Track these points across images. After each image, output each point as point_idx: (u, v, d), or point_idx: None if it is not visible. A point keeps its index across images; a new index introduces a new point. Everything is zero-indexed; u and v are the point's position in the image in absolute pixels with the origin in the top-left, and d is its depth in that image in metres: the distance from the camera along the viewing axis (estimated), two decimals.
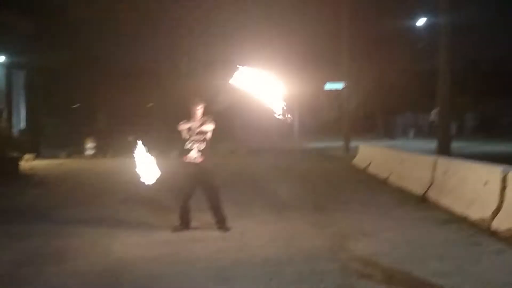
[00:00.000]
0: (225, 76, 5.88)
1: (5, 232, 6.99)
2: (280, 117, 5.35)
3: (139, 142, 6.56)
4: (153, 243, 6.30)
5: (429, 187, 9.02)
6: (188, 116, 6.72)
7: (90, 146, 22.15)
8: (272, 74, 5.46)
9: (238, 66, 5.52)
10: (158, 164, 6.63)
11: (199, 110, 6.70)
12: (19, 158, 15.60)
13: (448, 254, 5.53)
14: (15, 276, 5.11)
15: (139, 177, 6.54)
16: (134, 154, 6.53)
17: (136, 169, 6.51)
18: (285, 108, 5.32)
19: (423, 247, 5.86)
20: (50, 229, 7.10)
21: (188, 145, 6.67)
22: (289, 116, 5.36)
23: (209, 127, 6.66)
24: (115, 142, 22.17)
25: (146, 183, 6.55)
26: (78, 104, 30.08)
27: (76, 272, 5.19)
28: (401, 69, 34.37)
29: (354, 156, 17.24)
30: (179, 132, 6.71)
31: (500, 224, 6.26)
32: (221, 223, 6.84)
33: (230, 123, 23.11)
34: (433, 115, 29.60)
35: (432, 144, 18.48)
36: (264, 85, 5.40)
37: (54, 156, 20.90)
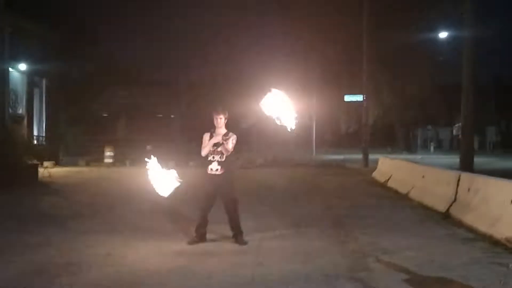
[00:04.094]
0: (252, 94, 6.20)
1: (20, 240, 6.94)
2: (291, 130, 5.97)
3: (152, 155, 6.39)
4: (168, 254, 6.18)
5: (452, 203, 8.77)
6: (210, 126, 6.63)
7: (109, 155, 22.25)
8: (291, 97, 6.00)
9: (270, 89, 6.00)
10: (177, 174, 6.49)
11: (222, 119, 6.59)
12: (38, 166, 15.70)
13: (473, 275, 5.30)
14: (28, 286, 5.03)
15: (155, 189, 6.41)
16: (148, 166, 6.35)
17: (151, 181, 6.36)
18: (295, 126, 5.94)
19: (446, 267, 5.63)
20: (65, 239, 7.04)
21: (209, 157, 6.58)
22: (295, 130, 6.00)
23: (231, 142, 6.54)
24: (134, 151, 22.22)
25: (162, 195, 6.42)
26: (104, 114, 30.38)
27: (90, 283, 5.10)
28: (422, 82, 33.97)
29: (373, 169, 16.99)
30: (199, 143, 6.62)
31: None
32: (238, 237, 6.70)
33: (247, 135, 23.04)
34: (456, 129, 29.17)
35: (453, 159, 18.14)
36: (285, 107, 5.95)
37: (73, 164, 21.04)
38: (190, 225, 6.96)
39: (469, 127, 15.53)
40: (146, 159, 6.36)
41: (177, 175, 6.34)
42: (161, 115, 32.87)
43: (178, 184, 6.34)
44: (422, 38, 30.41)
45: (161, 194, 6.40)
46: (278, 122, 6.01)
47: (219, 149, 6.52)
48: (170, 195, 6.42)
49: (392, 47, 30.39)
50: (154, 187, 6.36)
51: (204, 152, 6.58)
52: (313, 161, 26.54)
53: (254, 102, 6.11)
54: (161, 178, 6.32)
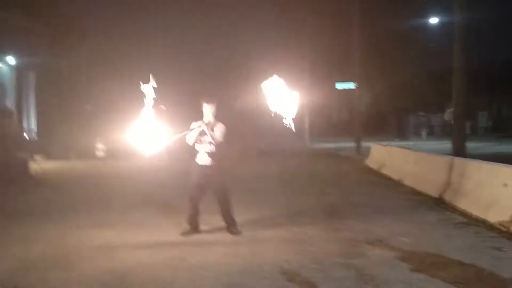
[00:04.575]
0: (241, 83, 6.10)
1: (10, 235, 6.86)
2: (287, 124, 5.88)
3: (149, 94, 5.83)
4: (161, 246, 6.13)
5: (446, 189, 8.77)
6: (199, 115, 6.54)
7: (100, 148, 22.09)
8: (289, 85, 5.94)
9: (273, 74, 5.94)
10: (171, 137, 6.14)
11: (210, 108, 6.49)
12: (29, 160, 15.54)
13: (467, 259, 5.30)
14: (19, 281, 4.96)
15: (139, 146, 6.01)
16: (142, 113, 5.84)
17: (138, 136, 5.92)
18: (293, 118, 5.86)
19: (441, 252, 5.62)
20: (56, 233, 6.96)
21: (198, 147, 6.51)
22: (291, 125, 5.87)
23: (219, 129, 6.48)
24: (126, 144, 22.08)
25: (145, 153, 6.05)
26: (89, 107, 30.09)
27: (82, 277, 5.03)
28: (413, 68, 34.01)
29: (366, 157, 17.00)
30: (188, 139, 6.50)
31: None
32: (231, 227, 6.66)
33: (240, 124, 22.96)
34: (448, 114, 29.26)
35: (446, 145, 18.16)
36: (283, 95, 5.88)
37: (65, 158, 20.87)
38: (183, 216, 6.91)
39: (461, 112, 15.55)
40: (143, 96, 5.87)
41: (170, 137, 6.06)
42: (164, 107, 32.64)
43: (164, 145, 6.03)
44: (413, 25, 30.42)
45: (142, 152, 6.05)
46: (273, 115, 5.91)
47: (207, 139, 6.43)
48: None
49: (383, 34, 30.37)
50: (135, 141, 5.96)
51: (189, 140, 6.46)
52: (306, 150, 26.54)
53: (245, 90, 6.06)
54: (150, 133, 5.90)
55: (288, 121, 5.86)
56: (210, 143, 6.46)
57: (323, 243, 6.17)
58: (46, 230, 7.16)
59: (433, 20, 28.33)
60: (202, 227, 6.75)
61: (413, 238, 6.29)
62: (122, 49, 29.26)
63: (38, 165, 15.88)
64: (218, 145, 6.48)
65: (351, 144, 23.86)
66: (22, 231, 7.08)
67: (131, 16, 27.53)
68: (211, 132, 6.40)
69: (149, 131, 5.93)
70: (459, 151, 14.59)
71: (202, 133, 6.44)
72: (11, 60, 20.52)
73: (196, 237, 6.52)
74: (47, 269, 5.29)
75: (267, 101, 5.92)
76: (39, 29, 21.83)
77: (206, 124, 6.42)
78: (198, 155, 6.53)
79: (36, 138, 21.84)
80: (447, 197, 8.55)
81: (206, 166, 6.48)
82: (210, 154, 6.47)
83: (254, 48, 29.84)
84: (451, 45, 15.90)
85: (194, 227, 6.66)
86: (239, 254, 5.68)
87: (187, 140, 6.47)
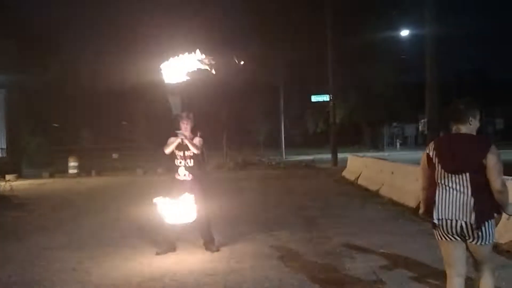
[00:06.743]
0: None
1: None
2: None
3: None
4: (136, 267, 5.91)
5: None
6: (175, 131, 6.42)
7: (73, 165, 21.60)
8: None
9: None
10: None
11: (187, 124, 6.39)
12: None
13: None
14: None
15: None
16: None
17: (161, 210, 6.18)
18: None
19: (422, 263, 5.57)
20: (27, 255, 6.67)
21: (177, 162, 6.37)
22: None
23: (197, 142, 6.36)
24: (99, 160, 21.69)
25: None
26: (57, 125, 29.62)
27: None
28: (386, 80, 34.45)
29: (343, 168, 17.03)
30: (166, 149, 6.40)
31: (500, 237, 6.01)
32: (209, 244, 6.49)
33: (217, 138, 22.85)
34: (422, 124, 29.67)
35: (419, 154, 18.33)
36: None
37: (37, 176, 20.36)
38: (158, 235, 6.71)
39: (434, 122, 15.75)
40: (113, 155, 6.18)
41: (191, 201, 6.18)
42: (125, 123, 32.29)
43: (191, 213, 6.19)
44: (385, 37, 30.87)
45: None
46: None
47: (186, 153, 6.31)
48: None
49: (356, 46, 30.70)
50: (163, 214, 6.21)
51: (167, 150, 6.38)
52: (282, 163, 26.50)
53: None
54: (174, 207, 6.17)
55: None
56: (190, 157, 6.33)
57: (302, 257, 6.06)
58: (15, 252, 6.86)
59: (404, 33, 28.84)
60: (179, 244, 6.56)
61: (393, 249, 6.23)
62: (93, 65, 28.92)
63: (8, 183, 15.42)
64: (197, 159, 6.37)
65: (327, 156, 23.94)
66: None
67: (104, 31, 27.26)
68: (192, 142, 6.28)
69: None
70: None
71: (181, 148, 6.31)
72: None
73: (172, 256, 6.32)
74: None
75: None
76: (7, 46, 21.38)
77: (184, 138, 6.30)
78: (177, 171, 6.38)
79: (7, 156, 21.23)
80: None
81: (186, 181, 6.33)
82: (188, 168, 6.33)
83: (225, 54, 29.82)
84: (424, 57, 16.15)
85: (171, 246, 6.46)
86: (217, 272, 5.52)
87: (165, 150, 6.40)
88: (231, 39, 28.04)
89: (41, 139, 26.61)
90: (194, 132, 6.46)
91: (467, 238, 3.48)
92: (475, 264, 3.62)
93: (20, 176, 19.95)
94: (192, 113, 6.55)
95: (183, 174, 6.37)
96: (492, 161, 3.37)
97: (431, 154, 3.61)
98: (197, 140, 6.38)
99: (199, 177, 6.43)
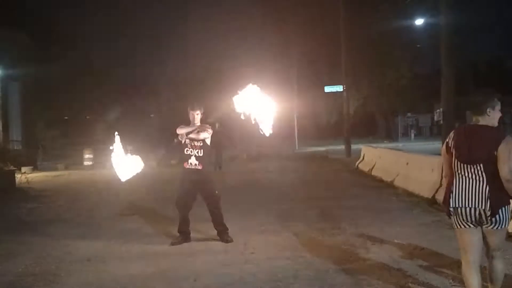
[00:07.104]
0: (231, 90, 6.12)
1: None
2: (264, 132, 5.95)
3: (117, 137, 6.24)
4: (151, 257, 5.95)
5: (438, 189, 8.68)
6: (186, 122, 6.44)
7: (88, 157, 21.79)
8: (266, 94, 5.96)
9: (245, 84, 5.98)
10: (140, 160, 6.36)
11: (198, 115, 6.40)
12: (15, 172, 15.25)
13: None
14: None
15: (117, 173, 6.24)
16: (112, 149, 6.20)
17: (114, 166, 6.19)
18: (270, 126, 5.92)
19: (437, 254, 5.52)
20: (42, 246, 6.73)
21: (186, 152, 6.37)
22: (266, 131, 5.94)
23: (205, 134, 6.36)
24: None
25: (122, 179, 6.27)
26: (82, 116, 29.95)
27: None
28: (400, 70, 34.12)
29: (357, 159, 16.93)
30: (176, 137, 6.44)
31: None
32: (223, 234, 6.50)
33: (230, 130, 22.84)
34: (437, 114, 29.36)
35: (434, 145, 18.17)
36: (259, 105, 5.90)
37: (52, 168, 20.57)
38: (173, 225, 6.73)
39: (450, 112, 15.54)
40: (110, 146, 6.22)
41: (140, 161, 6.28)
42: (142, 115, 32.51)
43: (139, 169, 6.25)
44: (399, 27, 30.50)
45: (121, 178, 6.26)
46: (253, 122, 5.92)
47: (196, 143, 6.31)
48: (128, 180, 6.28)
49: (370, 36, 30.42)
50: (116, 171, 6.22)
51: (180, 131, 6.37)
52: (296, 154, 26.44)
53: (229, 98, 6.03)
54: (124, 163, 6.20)
55: (264, 127, 5.91)
56: (199, 147, 6.33)
57: (316, 248, 6.03)
58: (32, 243, 6.94)
59: (419, 22, 28.42)
60: (193, 235, 6.59)
61: (408, 240, 6.17)
62: (107, 58, 29.08)
63: (25, 176, 15.60)
64: (207, 149, 6.38)
65: (340, 147, 23.81)
66: (6, 245, 6.85)
67: (117, 25, 27.37)
68: (199, 135, 6.30)
69: (121, 161, 6.22)
70: None
71: (191, 138, 6.32)
72: None
73: (187, 246, 6.34)
74: (32, 285, 5.09)
75: (245, 110, 5.93)
76: (23, 39, 21.56)
77: (194, 128, 6.32)
78: (187, 160, 6.39)
79: (23, 149, 21.46)
80: (440, 197, 8.44)
81: (196, 170, 6.34)
82: (198, 158, 6.34)
83: (241, 56, 29.82)
84: (438, 45, 15.92)
85: (185, 236, 6.49)
86: (232, 263, 5.53)
87: (178, 131, 6.40)
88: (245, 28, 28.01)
89: (56, 131, 26.86)
90: (202, 123, 6.46)
91: (484, 223, 3.57)
92: (488, 250, 3.70)
93: (35, 168, 20.16)
94: (203, 104, 6.57)
95: (194, 163, 6.36)
96: (501, 151, 3.45)
97: (450, 143, 3.71)
98: (203, 133, 6.37)
99: (209, 166, 6.45)
